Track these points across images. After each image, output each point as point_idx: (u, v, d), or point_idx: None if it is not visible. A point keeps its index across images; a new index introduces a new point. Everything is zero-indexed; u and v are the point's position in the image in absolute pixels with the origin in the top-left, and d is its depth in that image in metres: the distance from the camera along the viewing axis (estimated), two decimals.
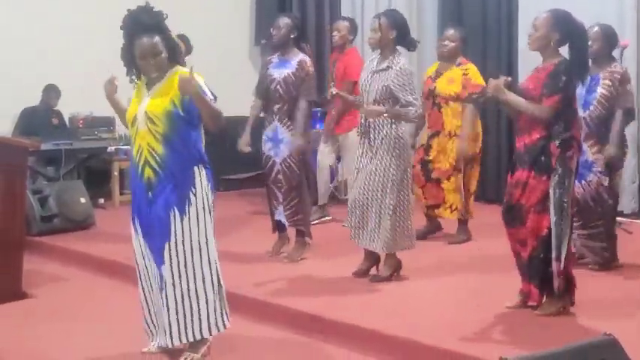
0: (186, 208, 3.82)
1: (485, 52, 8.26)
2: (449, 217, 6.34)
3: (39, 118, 8.37)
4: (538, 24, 4.28)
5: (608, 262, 5.29)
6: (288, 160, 5.68)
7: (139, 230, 3.93)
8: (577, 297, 4.39)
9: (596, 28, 5.24)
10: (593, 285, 4.57)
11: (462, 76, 6.15)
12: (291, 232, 5.93)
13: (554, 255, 4.22)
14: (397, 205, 4.99)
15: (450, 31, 6.30)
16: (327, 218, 7.27)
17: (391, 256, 5.15)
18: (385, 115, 4.95)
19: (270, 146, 5.74)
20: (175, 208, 3.81)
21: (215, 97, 3.89)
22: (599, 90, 5.18)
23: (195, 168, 3.86)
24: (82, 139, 8.35)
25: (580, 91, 4.86)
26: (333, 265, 5.55)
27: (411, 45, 5.16)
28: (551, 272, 4.25)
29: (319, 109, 7.77)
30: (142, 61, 3.83)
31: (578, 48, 4.28)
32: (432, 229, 6.50)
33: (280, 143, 5.70)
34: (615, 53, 6.27)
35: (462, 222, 6.37)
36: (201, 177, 3.87)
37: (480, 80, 6.06)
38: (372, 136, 5.02)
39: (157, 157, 3.80)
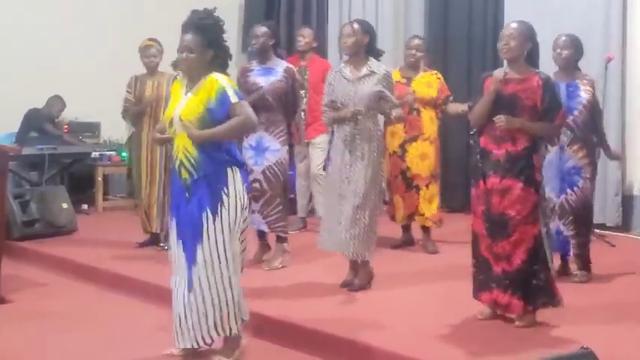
0: (219, 209, 3.85)
1: (471, 62, 8.28)
2: (423, 223, 6.31)
3: (37, 122, 8.35)
4: (514, 33, 4.26)
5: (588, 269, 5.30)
6: (274, 168, 5.66)
7: (175, 229, 3.98)
8: (554, 308, 4.36)
9: (564, 37, 5.29)
10: (571, 296, 4.55)
11: (437, 80, 6.32)
12: (271, 239, 5.90)
13: (545, 265, 4.22)
14: (374, 211, 5.03)
15: (417, 41, 6.40)
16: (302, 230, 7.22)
17: (366, 264, 5.13)
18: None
19: (251, 155, 5.67)
20: (208, 208, 3.85)
21: (241, 97, 3.94)
22: (583, 95, 5.18)
23: (229, 169, 3.90)
24: (66, 144, 8.30)
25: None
26: (312, 274, 5.53)
27: (378, 54, 5.22)
28: (536, 283, 4.23)
29: None
30: (178, 54, 3.97)
31: (537, 58, 4.34)
32: (407, 241, 6.49)
33: (265, 151, 5.66)
34: (600, 65, 6.33)
35: (429, 230, 6.37)
36: (235, 178, 3.91)
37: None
38: (357, 142, 5.01)
39: (192, 160, 3.88)
